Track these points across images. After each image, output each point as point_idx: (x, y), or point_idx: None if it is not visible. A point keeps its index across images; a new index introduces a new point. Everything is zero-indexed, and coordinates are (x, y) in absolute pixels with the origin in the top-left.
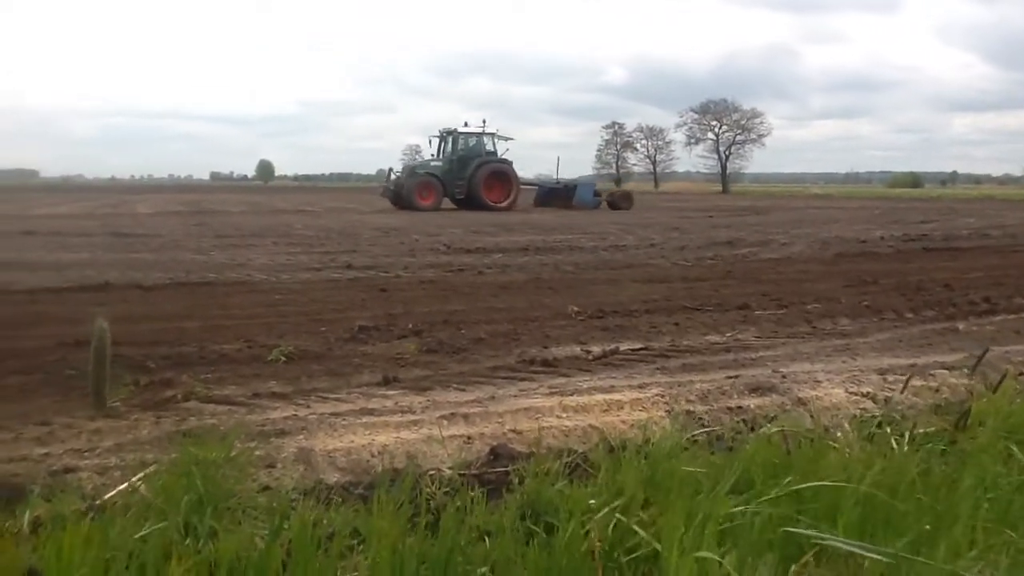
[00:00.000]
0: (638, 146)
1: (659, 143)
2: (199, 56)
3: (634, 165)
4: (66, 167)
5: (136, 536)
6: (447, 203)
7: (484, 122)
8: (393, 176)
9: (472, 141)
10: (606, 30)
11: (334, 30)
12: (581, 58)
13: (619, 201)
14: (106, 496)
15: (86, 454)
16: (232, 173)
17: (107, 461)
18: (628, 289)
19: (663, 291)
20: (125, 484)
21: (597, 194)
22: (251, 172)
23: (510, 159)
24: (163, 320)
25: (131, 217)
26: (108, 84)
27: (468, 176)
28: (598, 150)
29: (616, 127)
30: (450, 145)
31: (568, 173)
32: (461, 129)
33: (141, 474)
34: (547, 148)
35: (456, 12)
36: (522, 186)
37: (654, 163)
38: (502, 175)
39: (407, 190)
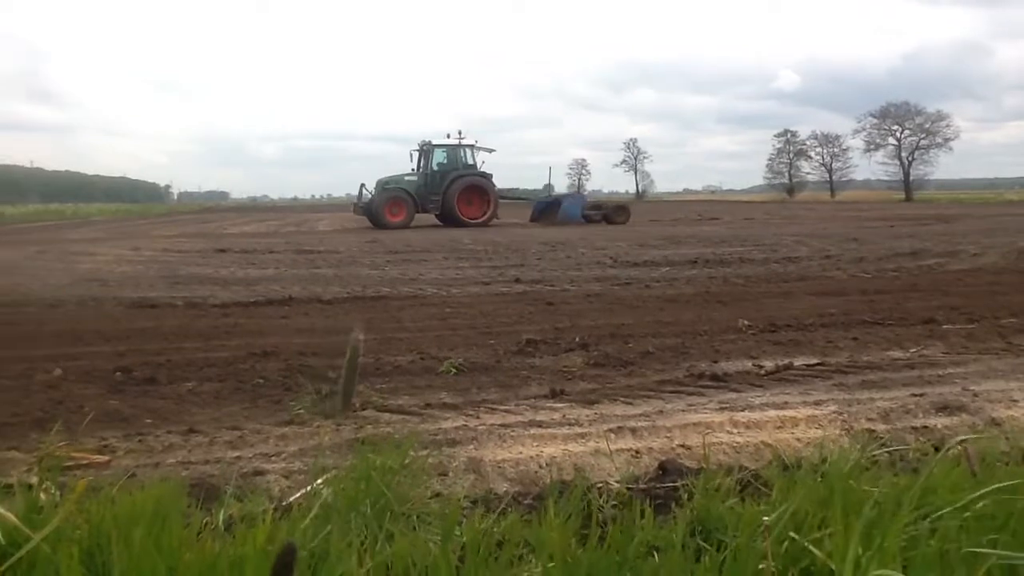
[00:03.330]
0: (812, 154)
1: (835, 150)
2: (376, 79)
3: (808, 174)
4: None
5: (319, 536)
6: (431, 219)
7: (460, 133)
8: (366, 192)
9: (446, 154)
10: (777, 34)
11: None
12: (751, 64)
13: (614, 215)
14: (291, 498)
15: (273, 458)
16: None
17: (292, 465)
18: (802, 302)
19: (840, 304)
20: (308, 487)
21: (598, 207)
22: None
23: (489, 172)
24: (342, 333)
25: (312, 235)
26: (291, 110)
27: (443, 190)
28: (769, 159)
29: (788, 135)
30: (425, 159)
31: (740, 183)
32: (436, 141)
33: (323, 478)
34: (717, 158)
35: (622, 24)
36: (512, 200)
37: (830, 171)
38: (478, 189)
39: (376, 206)
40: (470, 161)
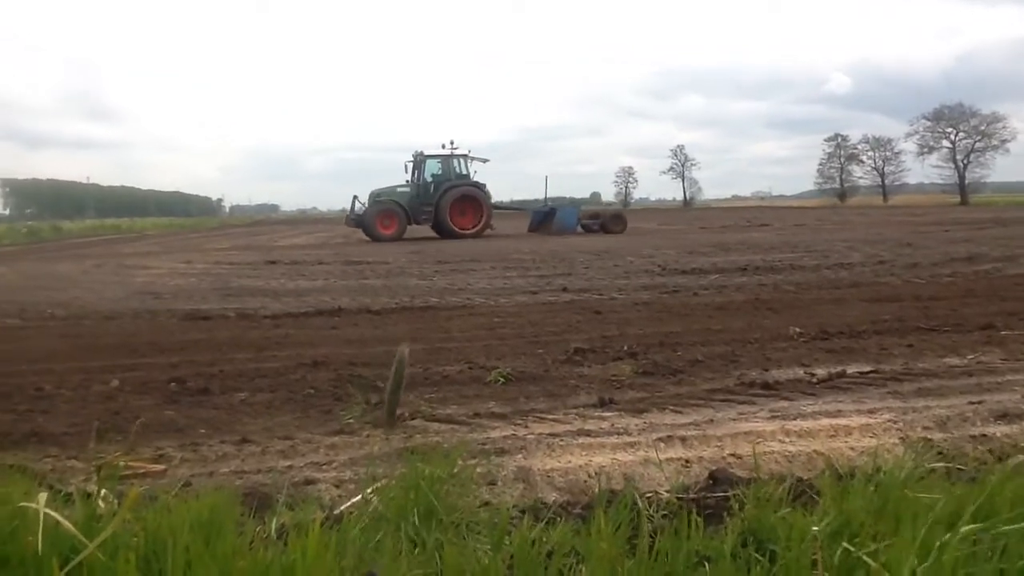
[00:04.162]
0: (864, 158)
1: (887, 154)
2: (422, 90)
3: (860, 178)
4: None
5: (370, 545)
6: (427, 231)
7: (452, 143)
8: (358, 204)
9: (440, 165)
10: (827, 37)
11: (545, 56)
12: (800, 68)
13: (610, 224)
14: (342, 507)
15: (324, 467)
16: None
17: (343, 474)
18: (855, 309)
19: (894, 311)
20: (359, 496)
21: (595, 216)
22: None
23: (483, 182)
24: (391, 343)
25: (360, 246)
26: (338, 123)
27: (435, 201)
28: (820, 164)
29: (839, 139)
30: (417, 170)
31: (790, 189)
32: (428, 152)
33: (373, 487)
34: (766, 164)
35: (668, 31)
36: (509, 210)
37: (882, 176)
38: (471, 199)
39: (367, 218)
40: (463, 171)
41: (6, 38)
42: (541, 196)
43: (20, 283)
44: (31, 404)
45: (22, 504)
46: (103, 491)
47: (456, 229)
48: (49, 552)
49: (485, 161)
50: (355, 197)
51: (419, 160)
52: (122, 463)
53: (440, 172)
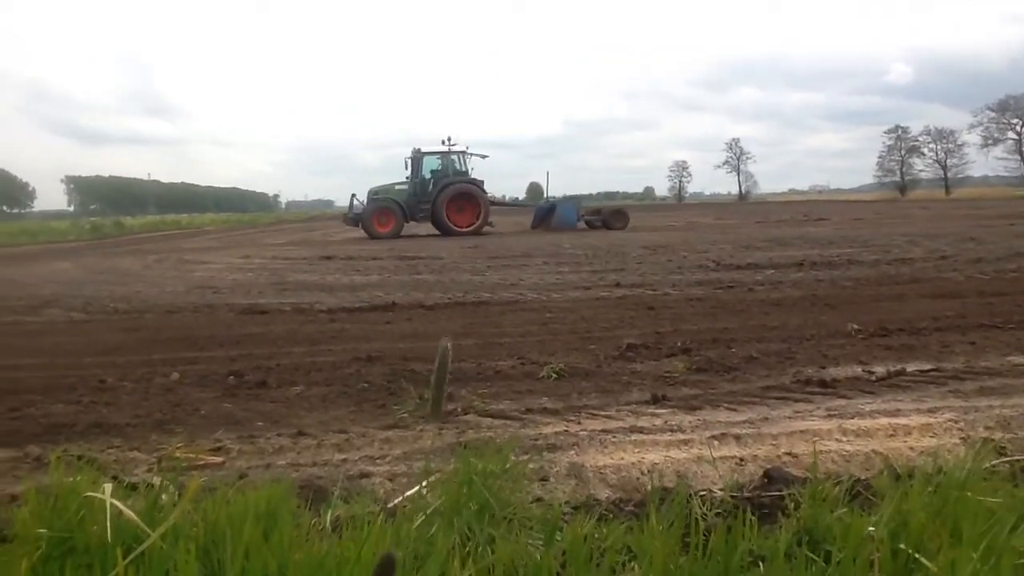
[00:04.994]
0: (925, 150)
1: (950, 146)
2: (475, 83)
3: (921, 171)
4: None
5: (424, 539)
6: (430, 228)
7: (449, 139)
8: (357, 202)
9: (438, 161)
10: (887, 26)
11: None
12: (859, 58)
13: (611, 220)
14: (396, 500)
15: (378, 461)
16: (504, 196)
17: (396, 468)
18: (915, 305)
19: (956, 307)
20: (412, 490)
21: (597, 212)
22: (521, 194)
23: (481, 178)
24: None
25: (414, 240)
26: (391, 118)
27: (432, 198)
28: (880, 156)
29: (900, 131)
30: (415, 167)
31: (848, 182)
32: (425, 149)
33: (426, 481)
34: (823, 156)
35: (721, 21)
36: (509, 207)
37: (944, 168)
38: (468, 196)
39: (364, 216)
40: (462, 168)
41: (69, 38)
42: (592, 191)
43: (85, 278)
44: (95, 396)
45: (88, 494)
46: (164, 482)
47: (453, 227)
48: (114, 541)
49: (484, 157)
50: (353, 195)
51: (417, 157)
52: (182, 454)
53: (439, 169)
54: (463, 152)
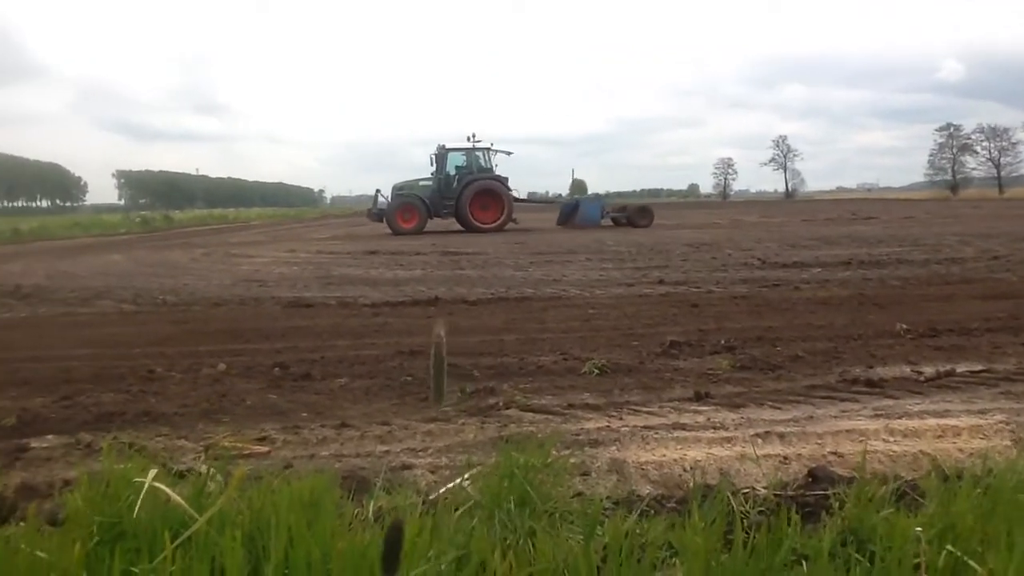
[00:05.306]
0: (978, 148)
1: (1003, 144)
2: (523, 80)
3: (973, 170)
4: None
5: (465, 531)
6: (454, 224)
7: (473, 136)
8: (381, 198)
9: (461, 158)
10: (940, 22)
11: (644, 46)
12: (910, 55)
13: (636, 218)
14: (438, 492)
15: (420, 453)
16: (547, 193)
17: (438, 461)
18: (966, 306)
19: (1008, 308)
20: (454, 483)
21: (623, 209)
22: (565, 191)
23: (505, 175)
24: (486, 333)
25: (457, 236)
26: (439, 115)
27: (456, 195)
28: (931, 155)
29: (951, 129)
30: (439, 163)
31: (898, 181)
32: (450, 145)
33: (468, 474)
34: (872, 154)
35: (768, 18)
36: (537, 204)
37: (998, 167)
38: (492, 192)
39: (388, 212)
40: (486, 165)
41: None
42: (636, 188)
43: (135, 270)
44: (144, 385)
45: (137, 480)
46: (211, 470)
47: (477, 223)
48: (162, 526)
49: (509, 154)
50: (378, 190)
51: (441, 153)
52: (228, 443)
53: (463, 165)
54: (488, 148)
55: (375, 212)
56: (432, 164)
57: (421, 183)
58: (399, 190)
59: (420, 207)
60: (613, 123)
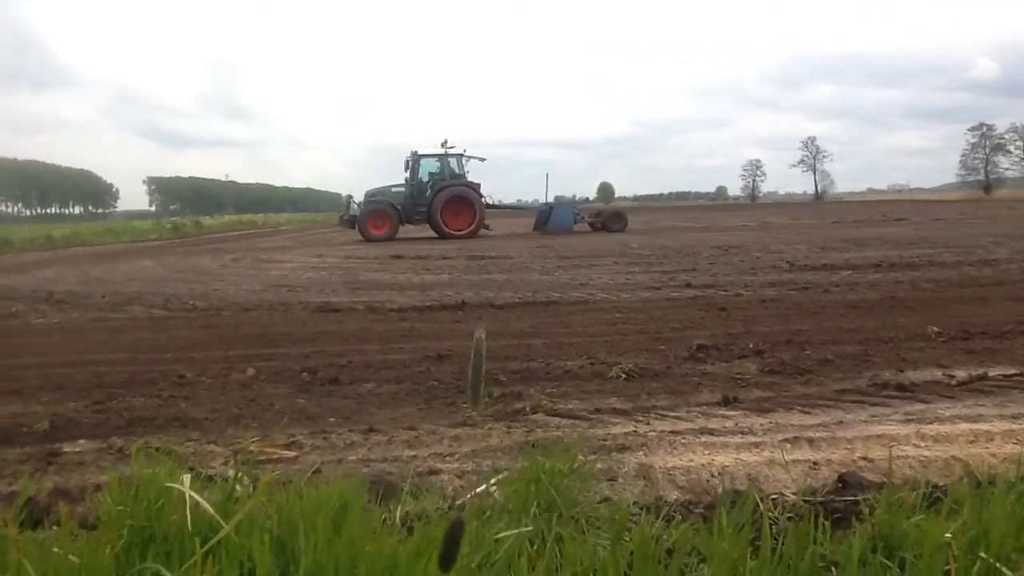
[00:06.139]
0: (1012, 148)
1: None
2: (547, 84)
3: (1006, 170)
4: None
5: (492, 537)
6: (427, 230)
7: (446, 142)
8: (353, 204)
9: (435, 164)
10: (972, 20)
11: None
12: (941, 54)
13: (610, 222)
14: (464, 497)
15: (447, 458)
16: (574, 196)
17: (465, 466)
18: (999, 308)
19: None
20: (480, 488)
21: (597, 215)
22: (592, 194)
23: (477, 182)
24: (513, 337)
25: (486, 241)
26: (463, 118)
27: (428, 202)
28: (963, 155)
29: (984, 128)
30: (412, 169)
31: (929, 182)
32: (422, 151)
33: (495, 479)
34: (903, 155)
35: (796, 16)
36: (506, 210)
37: None
38: (463, 199)
39: (360, 218)
40: (459, 171)
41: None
42: (664, 191)
43: (165, 276)
44: (174, 390)
45: (168, 484)
46: (240, 474)
47: (448, 230)
48: (192, 531)
49: (482, 160)
50: (350, 196)
51: (414, 159)
52: (257, 448)
53: (437, 171)
54: (461, 155)
55: (347, 219)
56: (405, 169)
57: (394, 189)
58: (371, 196)
59: (392, 214)
60: (637, 125)
